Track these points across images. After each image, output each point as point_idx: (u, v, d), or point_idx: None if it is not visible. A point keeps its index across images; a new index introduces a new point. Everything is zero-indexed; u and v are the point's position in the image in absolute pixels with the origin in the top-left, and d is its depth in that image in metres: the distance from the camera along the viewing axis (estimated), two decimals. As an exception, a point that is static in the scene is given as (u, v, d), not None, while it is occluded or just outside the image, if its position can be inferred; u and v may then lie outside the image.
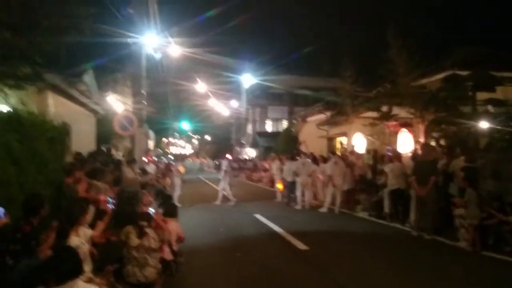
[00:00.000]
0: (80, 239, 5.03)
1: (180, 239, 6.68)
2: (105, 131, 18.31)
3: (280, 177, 17.02)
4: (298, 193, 14.23)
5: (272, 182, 24.04)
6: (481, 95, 13.64)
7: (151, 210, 7.50)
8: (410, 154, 12.24)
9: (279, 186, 17.06)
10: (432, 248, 8.23)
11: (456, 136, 13.10)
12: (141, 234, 5.57)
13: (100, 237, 6.19)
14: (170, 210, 7.03)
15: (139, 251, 5.46)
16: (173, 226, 6.57)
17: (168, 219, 6.67)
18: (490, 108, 13.61)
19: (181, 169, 15.92)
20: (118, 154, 18.44)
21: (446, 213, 9.11)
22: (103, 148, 14.92)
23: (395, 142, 16.18)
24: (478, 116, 13.10)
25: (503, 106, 13.26)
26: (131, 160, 12.17)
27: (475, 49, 14.29)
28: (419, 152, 11.59)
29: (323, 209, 13.11)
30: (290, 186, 14.87)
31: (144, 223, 5.77)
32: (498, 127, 12.36)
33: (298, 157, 15.27)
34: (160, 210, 7.58)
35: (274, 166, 19.14)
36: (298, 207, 14.00)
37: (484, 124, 12.84)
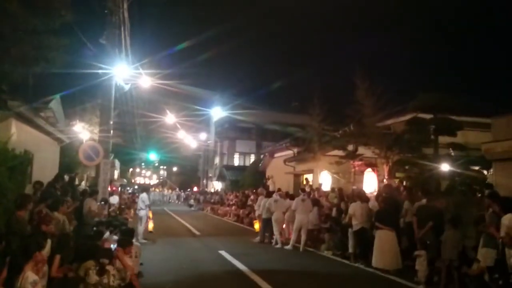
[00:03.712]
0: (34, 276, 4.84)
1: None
2: (69, 160, 17.94)
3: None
4: (276, 231, 13.90)
5: (238, 217, 23.91)
6: (443, 139, 14.14)
7: (113, 246, 7.32)
8: (374, 194, 12.42)
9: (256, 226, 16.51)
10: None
11: (419, 178, 13.45)
12: (101, 271, 5.43)
13: (57, 271, 5.99)
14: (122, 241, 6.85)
15: (97, 289, 5.31)
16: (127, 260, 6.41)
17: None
18: (451, 151, 14.10)
19: (150, 226, 15.39)
20: (82, 184, 18.04)
21: (408, 254, 9.23)
22: (65, 177, 14.55)
23: (360, 181, 16.49)
24: (439, 159, 13.54)
25: (463, 150, 13.77)
26: (93, 192, 11.89)
27: (438, 94, 14.90)
28: (383, 192, 11.80)
29: (288, 247, 13.06)
30: (266, 223, 14.65)
31: (106, 260, 5.62)
32: (459, 171, 12.80)
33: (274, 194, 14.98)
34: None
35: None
36: (279, 245, 13.55)
37: (445, 167, 13.26)
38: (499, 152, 10.21)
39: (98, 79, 12.85)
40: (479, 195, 10.89)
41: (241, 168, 38.98)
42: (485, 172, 13.13)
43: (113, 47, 13.20)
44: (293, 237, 13.13)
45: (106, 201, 12.50)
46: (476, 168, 13.25)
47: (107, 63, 13.03)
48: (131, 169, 62.69)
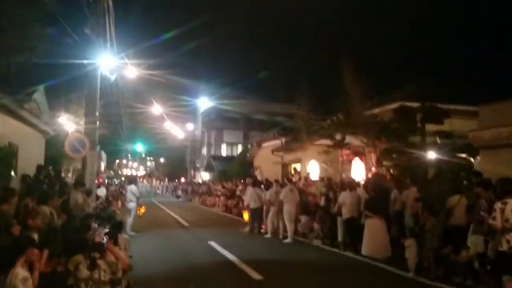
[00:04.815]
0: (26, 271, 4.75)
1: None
2: (55, 152, 17.70)
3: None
4: (269, 221, 13.83)
5: (226, 207, 23.90)
6: (430, 127, 14.19)
7: (104, 240, 7.23)
8: (362, 183, 12.44)
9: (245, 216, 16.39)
10: (383, 278, 8.34)
11: (406, 166, 13.52)
12: (92, 265, 5.34)
13: (45, 266, 5.89)
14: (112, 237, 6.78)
15: (87, 284, 5.22)
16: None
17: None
18: (438, 139, 14.18)
19: (141, 210, 15.24)
20: (68, 177, 17.85)
21: (398, 243, 9.30)
22: (51, 170, 14.36)
23: (348, 170, 16.56)
24: (427, 147, 13.61)
25: (450, 138, 13.86)
26: (80, 184, 11.70)
27: (425, 82, 14.91)
28: (371, 181, 11.85)
29: (288, 240, 12.93)
30: (254, 214, 14.67)
31: (97, 254, 5.52)
32: (446, 158, 12.89)
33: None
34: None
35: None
36: (269, 235, 13.56)
37: (432, 155, 13.35)
38: (486, 140, 10.30)
39: (83, 70, 12.63)
40: (466, 182, 11.03)
41: (229, 158, 38.90)
42: (472, 159, 13.23)
43: (98, 36, 12.97)
44: (289, 227, 12.89)
45: (90, 193, 12.27)
46: (463, 155, 13.35)
47: (92, 53, 12.81)
48: (117, 161, 62.32)
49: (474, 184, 8.68)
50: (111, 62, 14.16)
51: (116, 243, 6.65)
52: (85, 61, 12.43)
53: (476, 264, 6.76)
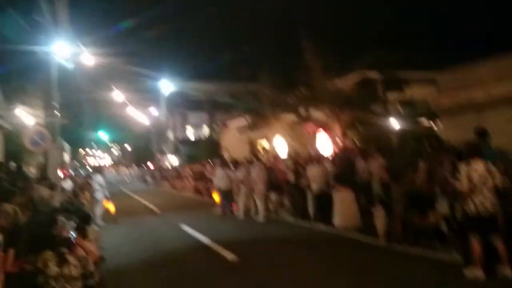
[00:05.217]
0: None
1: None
2: (14, 147, 17.11)
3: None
4: (240, 201, 13.85)
5: (196, 190, 23.85)
6: (391, 95, 14.46)
7: (72, 234, 7.07)
8: (329, 156, 12.58)
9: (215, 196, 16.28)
10: (355, 248, 8.52)
11: (370, 136, 13.77)
12: (61, 261, 5.21)
13: (12, 266, 5.73)
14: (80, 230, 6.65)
15: (58, 281, 5.10)
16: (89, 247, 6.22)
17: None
18: (399, 107, 14.47)
19: (111, 207, 14.93)
20: (31, 171, 17.32)
21: (367, 212, 9.49)
22: (12, 166, 13.91)
23: (314, 143, 16.72)
24: (389, 116, 13.88)
25: (411, 105, 14.17)
26: (44, 178, 11.39)
27: (383, 52, 15.09)
28: (338, 153, 12.00)
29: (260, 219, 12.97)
30: (225, 195, 14.67)
31: (65, 249, 5.39)
32: (408, 126, 13.19)
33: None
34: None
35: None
36: (241, 215, 13.60)
37: (395, 123, 13.63)
38: (445, 105, 10.53)
39: (36, 57, 12.17)
40: (428, 148, 11.31)
41: (196, 141, 38.67)
42: (433, 125, 13.57)
43: (49, 23, 12.50)
44: (260, 206, 12.91)
45: (54, 187, 11.96)
46: (425, 121, 13.67)
47: (45, 41, 12.35)
48: (82, 151, 60.98)
49: (436, 149, 8.92)
50: (66, 50, 13.70)
51: (85, 236, 6.52)
52: (36, 48, 11.98)
53: (443, 227, 6.96)
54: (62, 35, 13.27)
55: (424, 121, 13.73)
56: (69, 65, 14.67)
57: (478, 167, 5.89)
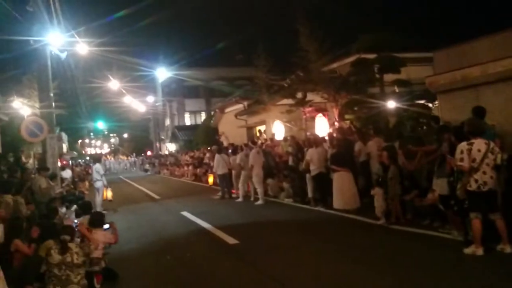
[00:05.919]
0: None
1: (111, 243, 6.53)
2: (12, 138, 17.10)
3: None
4: (241, 185, 13.95)
5: (195, 176, 23.95)
6: (388, 77, 14.40)
7: (75, 222, 7.12)
8: (327, 138, 12.57)
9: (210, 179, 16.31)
10: (356, 229, 8.57)
11: (368, 118, 13.76)
12: (64, 249, 5.26)
13: (28, 251, 5.81)
14: (95, 219, 6.70)
15: (60, 269, 5.15)
16: (99, 237, 6.27)
17: (93, 229, 6.37)
18: (396, 88, 14.43)
19: (109, 194, 15.04)
20: (30, 162, 17.32)
21: (366, 193, 9.54)
22: (10, 157, 13.92)
23: (312, 127, 16.73)
24: (386, 97, 13.86)
25: (408, 86, 14.13)
26: (43, 168, 11.39)
27: (379, 33, 15.01)
28: (336, 136, 11.99)
29: (260, 202, 13.00)
30: (222, 179, 14.76)
31: (67, 237, 5.44)
32: (405, 106, 13.17)
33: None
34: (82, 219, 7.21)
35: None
36: (240, 199, 13.69)
37: (392, 104, 13.61)
38: (442, 84, 10.49)
39: (30, 48, 12.09)
40: (425, 127, 11.34)
41: (193, 127, 38.63)
42: (430, 105, 13.55)
43: (42, 13, 12.37)
44: (259, 190, 12.89)
45: (54, 177, 11.99)
46: (422, 102, 13.65)
47: (39, 31, 12.25)
48: (80, 141, 60.92)
49: (434, 129, 8.93)
50: (60, 40, 13.59)
51: (97, 224, 6.58)
52: (29, 39, 11.89)
53: (442, 206, 7.01)
54: (56, 25, 13.17)
55: (421, 101, 13.70)
56: (64, 55, 14.57)
57: (480, 146, 5.93)
